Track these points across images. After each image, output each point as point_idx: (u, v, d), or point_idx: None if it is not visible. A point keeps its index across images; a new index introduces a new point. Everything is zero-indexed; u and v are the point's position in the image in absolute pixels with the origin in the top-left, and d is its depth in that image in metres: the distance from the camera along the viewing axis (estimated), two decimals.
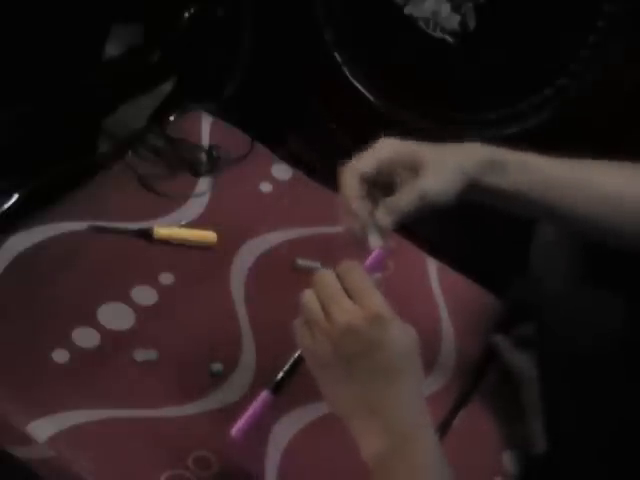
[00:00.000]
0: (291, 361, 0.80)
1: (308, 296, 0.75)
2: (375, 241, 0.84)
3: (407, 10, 1.35)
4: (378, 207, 0.85)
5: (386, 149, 0.87)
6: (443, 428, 1.08)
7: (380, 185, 0.87)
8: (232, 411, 1.02)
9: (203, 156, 1.32)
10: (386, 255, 0.84)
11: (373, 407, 0.72)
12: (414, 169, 0.85)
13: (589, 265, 1.03)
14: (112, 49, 1.35)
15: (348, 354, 0.72)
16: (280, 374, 0.81)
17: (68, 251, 1.12)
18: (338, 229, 1.25)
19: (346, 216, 0.86)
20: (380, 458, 0.73)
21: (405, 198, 0.85)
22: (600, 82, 1.27)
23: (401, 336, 0.73)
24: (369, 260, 0.83)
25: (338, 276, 0.75)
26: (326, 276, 0.75)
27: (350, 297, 0.73)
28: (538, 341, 1.16)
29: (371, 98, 1.44)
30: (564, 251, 1.05)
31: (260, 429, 1.01)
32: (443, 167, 0.85)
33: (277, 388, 0.81)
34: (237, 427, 0.81)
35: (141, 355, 1.04)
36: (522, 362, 1.21)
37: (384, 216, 0.84)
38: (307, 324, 0.75)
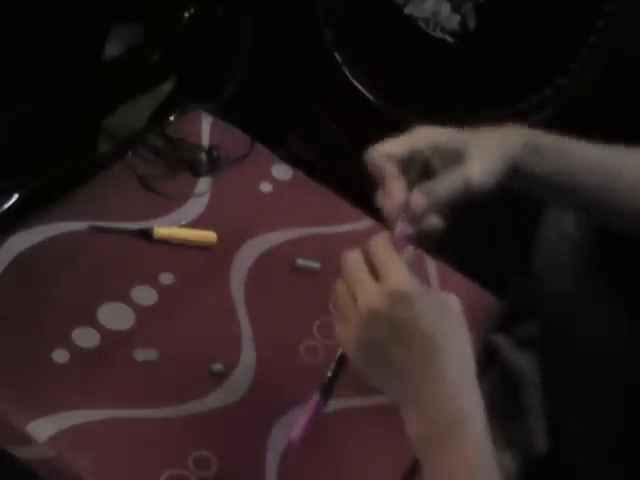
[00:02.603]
0: (336, 359, 0.74)
1: (338, 284, 0.70)
2: (403, 228, 0.76)
3: (407, 10, 1.35)
4: (413, 190, 0.77)
5: (422, 136, 0.80)
6: None
7: (413, 176, 0.80)
8: (232, 411, 1.02)
9: (203, 156, 1.32)
10: (407, 233, 0.76)
11: (414, 395, 0.67)
12: (455, 157, 0.79)
13: (593, 266, 1.03)
14: (112, 49, 1.34)
15: (378, 339, 0.66)
16: (328, 374, 0.75)
17: (68, 251, 1.12)
18: (338, 229, 1.25)
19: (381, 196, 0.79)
20: (423, 443, 0.67)
21: (447, 184, 0.78)
22: (600, 82, 1.27)
23: (430, 310, 0.67)
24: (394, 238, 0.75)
25: (366, 253, 0.69)
26: (351, 258, 0.69)
27: (376, 276, 0.67)
28: (539, 341, 1.16)
29: (371, 98, 1.44)
30: (566, 251, 1.05)
31: (260, 430, 1.01)
32: (489, 153, 0.79)
33: (326, 391, 0.76)
34: (297, 434, 0.76)
35: (141, 355, 1.04)
36: (522, 362, 1.22)
37: (420, 197, 0.76)
38: (340, 315, 0.70)
